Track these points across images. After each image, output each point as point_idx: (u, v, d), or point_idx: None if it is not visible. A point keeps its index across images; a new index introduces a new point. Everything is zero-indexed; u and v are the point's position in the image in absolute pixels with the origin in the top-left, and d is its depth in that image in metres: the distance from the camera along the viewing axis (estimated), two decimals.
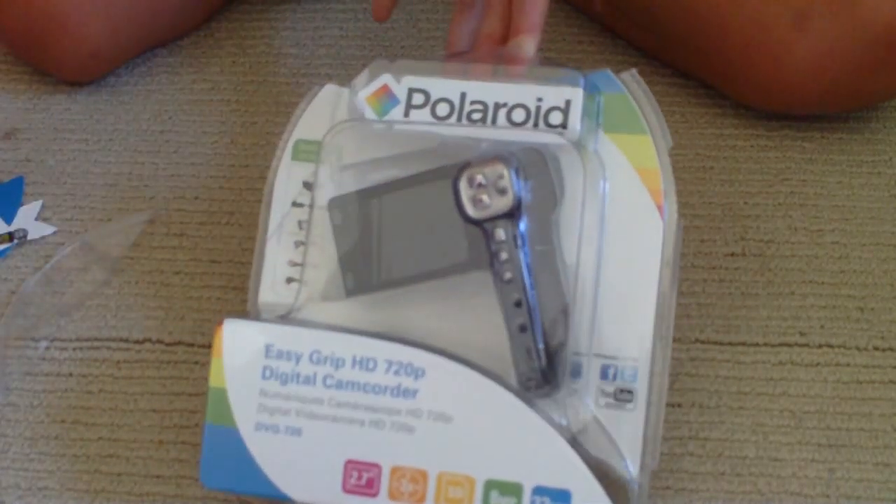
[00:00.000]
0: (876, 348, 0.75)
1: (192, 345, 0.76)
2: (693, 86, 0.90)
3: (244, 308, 0.78)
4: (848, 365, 0.75)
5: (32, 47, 0.90)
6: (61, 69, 0.91)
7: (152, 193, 0.86)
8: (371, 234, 0.65)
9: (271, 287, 0.65)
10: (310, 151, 0.66)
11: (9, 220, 0.84)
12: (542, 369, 0.62)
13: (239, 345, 0.62)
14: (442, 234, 0.64)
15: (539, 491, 0.59)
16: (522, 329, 0.62)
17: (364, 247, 0.65)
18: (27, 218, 0.84)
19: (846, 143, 0.87)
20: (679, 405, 0.73)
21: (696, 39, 0.86)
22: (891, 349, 0.75)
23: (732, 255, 0.81)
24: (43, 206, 0.85)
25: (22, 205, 0.85)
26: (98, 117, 0.91)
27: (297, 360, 0.62)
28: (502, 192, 0.62)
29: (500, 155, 0.63)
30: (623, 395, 0.61)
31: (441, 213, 0.63)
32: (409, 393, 0.60)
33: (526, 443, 0.60)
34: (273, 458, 0.61)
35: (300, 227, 0.66)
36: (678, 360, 0.75)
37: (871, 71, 0.81)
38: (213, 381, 0.62)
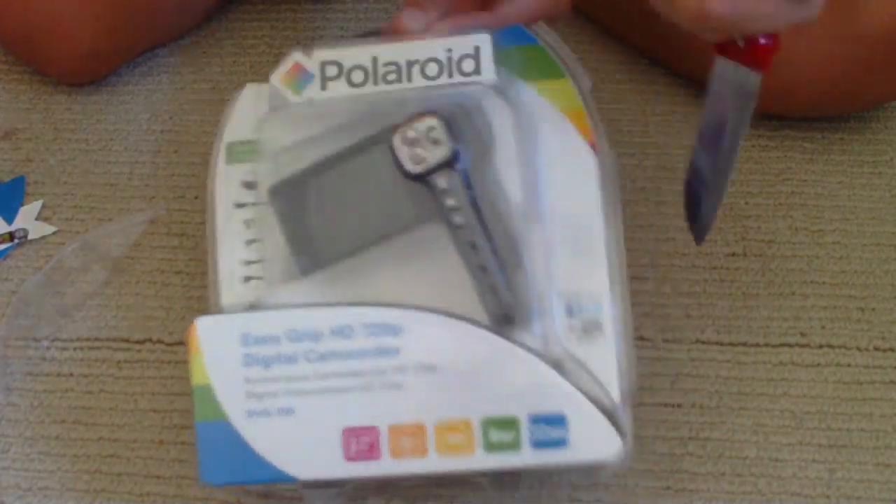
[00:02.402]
0: (877, 349, 0.75)
1: None
2: (693, 86, 0.90)
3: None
4: (849, 365, 0.75)
5: (29, 49, 0.90)
6: (58, 71, 0.91)
7: (153, 193, 0.86)
8: (315, 212, 0.64)
9: (230, 288, 0.65)
10: (244, 152, 0.67)
11: (9, 220, 0.84)
12: (509, 303, 0.62)
13: (215, 340, 0.62)
14: (384, 198, 0.64)
15: (535, 419, 0.59)
16: (483, 269, 0.62)
17: (311, 226, 0.65)
18: (28, 218, 0.84)
19: (847, 143, 0.87)
20: (679, 405, 0.73)
21: (693, 42, 0.86)
22: (891, 350, 0.75)
23: (733, 255, 0.81)
24: (43, 206, 0.85)
25: (22, 204, 0.85)
26: (98, 117, 0.91)
27: (276, 342, 0.62)
28: (436, 142, 0.63)
29: (427, 109, 0.63)
30: (590, 327, 0.62)
31: (379, 178, 0.63)
32: (391, 351, 0.61)
33: (513, 376, 0.60)
34: (270, 442, 0.61)
35: (247, 227, 0.66)
36: (678, 360, 0.75)
37: (869, 74, 0.81)
38: (196, 380, 0.62)
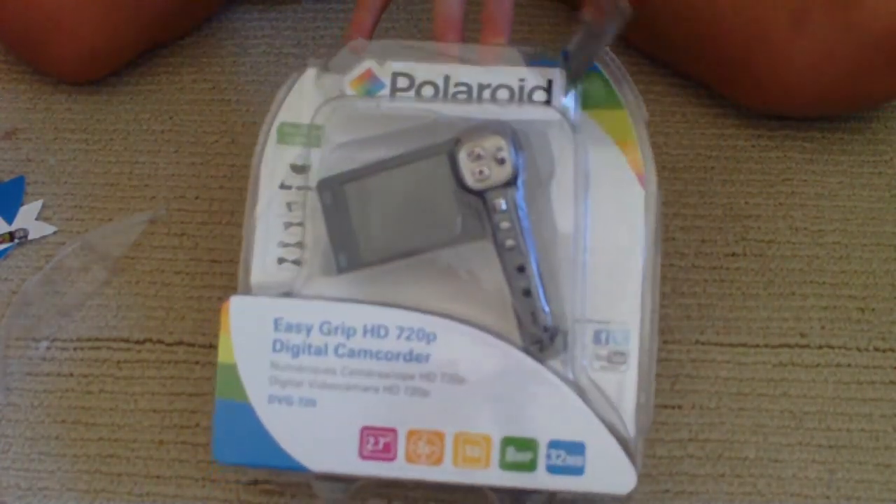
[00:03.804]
0: (877, 349, 0.75)
1: (192, 345, 0.77)
2: (693, 86, 0.90)
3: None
4: (849, 366, 0.75)
5: (30, 48, 0.90)
6: (59, 70, 0.91)
7: (153, 193, 0.86)
8: (362, 212, 0.65)
9: (262, 269, 0.65)
10: (295, 134, 0.67)
11: (9, 220, 0.84)
12: (547, 329, 0.63)
13: (247, 320, 0.63)
14: (435, 209, 0.64)
15: (554, 444, 0.60)
16: (527, 293, 0.63)
17: (355, 225, 0.65)
18: (28, 218, 0.84)
19: (847, 143, 0.87)
20: (679, 406, 0.73)
21: (693, 42, 0.86)
22: (891, 350, 0.75)
23: (733, 255, 0.81)
24: (43, 206, 0.85)
25: (22, 204, 0.85)
26: (99, 117, 0.91)
27: (308, 331, 0.62)
28: (501, 162, 0.63)
29: (496, 128, 0.64)
30: (616, 358, 0.63)
31: (433, 189, 0.64)
32: (421, 357, 0.61)
33: (539, 398, 0.61)
34: (288, 429, 0.61)
35: (289, 209, 0.66)
36: (678, 361, 0.75)
37: (869, 74, 0.81)
38: (222, 358, 0.62)
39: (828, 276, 0.79)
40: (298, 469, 0.60)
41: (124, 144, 0.89)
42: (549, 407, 0.61)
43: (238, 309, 0.63)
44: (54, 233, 0.83)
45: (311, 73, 0.68)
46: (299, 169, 0.66)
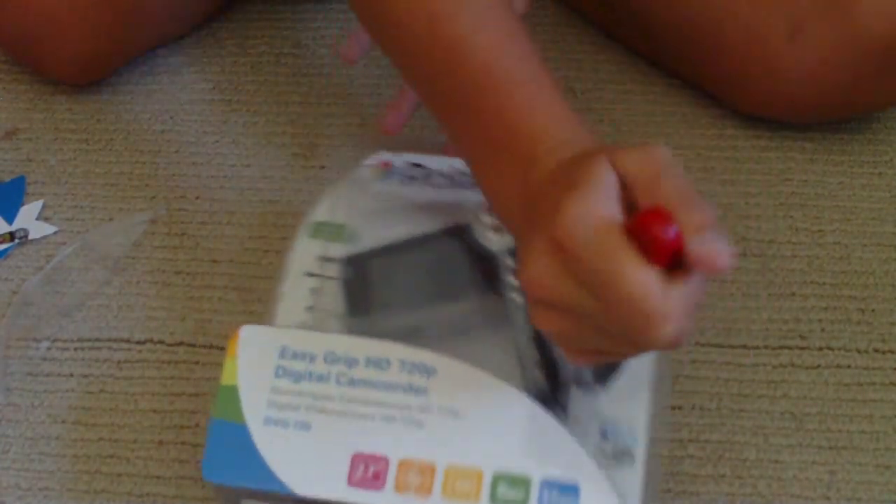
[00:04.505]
0: (877, 350, 0.75)
1: (193, 345, 0.77)
2: (694, 86, 0.90)
3: (245, 308, 0.78)
4: (849, 367, 0.75)
5: (27, 52, 0.90)
6: (57, 73, 0.91)
7: (153, 193, 0.86)
8: (380, 287, 0.68)
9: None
10: (327, 231, 0.71)
11: (10, 220, 0.84)
12: (553, 382, 0.63)
13: (254, 347, 0.63)
14: (448, 284, 0.67)
15: (547, 484, 0.59)
16: (536, 343, 0.63)
17: (374, 298, 0.68)
18: (28, 218, 0.84)
19: (847, 144, 0.87)
20: (679, 408, 0.73)
21: (691, 49, 0.86)
22: (891, 351, 0.75)
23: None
24: (44, 206, 0.85)
25: (23, 204, 0.85)
26: (99, 117, 0.91)
27: (312, 359, 0.62)
28: None
29: None
30: (621, 455, 0.62)
31: (447, 267, 0.67)
32: (420, 390, 0.61)
33: (535, 437, 0.60)
34: (280, 452, 0.61)
35: (312, 294, 0.69)
36: (679, 361, 0.75)
37: (865, 81, 0.81)
38: (225, 380, 0.63)
39: (828, 276, 0.79)
40: (284, 492, 0.60)
41: (124, 144, 0.89)
42: (544, 446, 0.60)
43: (247, 337, 0.64)
44: (54, 233, 0.83)
45: (345, 183, 0.73)
46: (326, 260, 0.70)
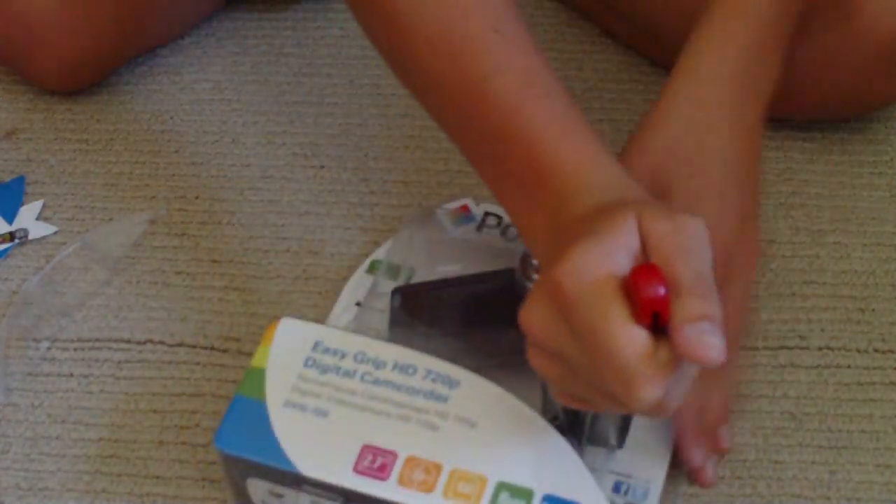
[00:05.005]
0: (876, 350, 0.75)
1: (194, 346, 0.76)
2: None
3: (245, 309, 0.78)
4: (848, 367, 0.75)
5: (14, 61, 0.90)
6: (44, 81, 0.91)
7: (153, 193, 0.86)
8: (423, 316, 0.72)
9: None
10: (381, 268, 0.78)
11: (10, 220, 0.84)
12: (569, 418, 0.64)
13: (289, 337, 0.65)
14: (487, 319, 0.71)
15: (549, 499, 0.59)
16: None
17: (415, 326, 0.72)
18: (28, 218, 0.84)
19: (847, 144, 0.87)
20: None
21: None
22: (891, 351, 0.75)
23: None
24: (44, 206, 0.85)
25: (23, 204, 0.85)
26: (99, 117, 0.91)
27: (342, 356, 0.64)
28: None
29: None
30: None
31: (489, 303, 0.71)
32: (441, 398, 0.62)
33: (543, 454, 0.61)
34: (293, 433, 0.62)
35: (355, 320, 0.75)
36: None
37: (869, 79, 0.81)
38: (255, 363, 0.64)
39: (828, 276, 0.79)
40: (290, 471, 0.61)
41: (124, 144, 0.89)
42: (551, 463, 0.60)
43: (285, 327, 0.65)
44: (54, 233, 0.83)
45: (413, 222, 0.80)
46: (374, 294, 0.76)
